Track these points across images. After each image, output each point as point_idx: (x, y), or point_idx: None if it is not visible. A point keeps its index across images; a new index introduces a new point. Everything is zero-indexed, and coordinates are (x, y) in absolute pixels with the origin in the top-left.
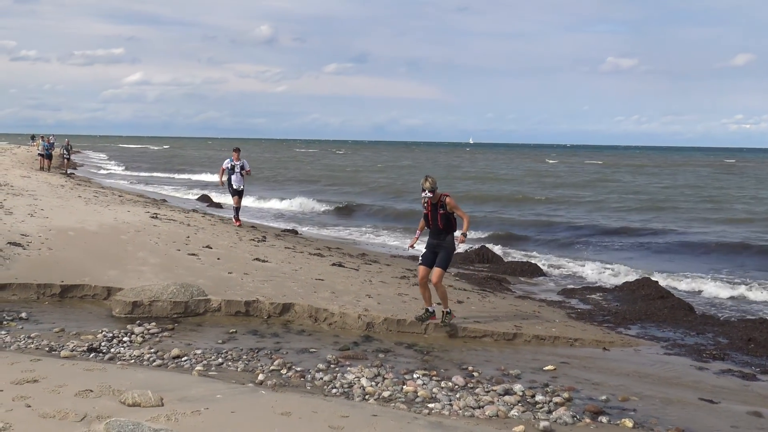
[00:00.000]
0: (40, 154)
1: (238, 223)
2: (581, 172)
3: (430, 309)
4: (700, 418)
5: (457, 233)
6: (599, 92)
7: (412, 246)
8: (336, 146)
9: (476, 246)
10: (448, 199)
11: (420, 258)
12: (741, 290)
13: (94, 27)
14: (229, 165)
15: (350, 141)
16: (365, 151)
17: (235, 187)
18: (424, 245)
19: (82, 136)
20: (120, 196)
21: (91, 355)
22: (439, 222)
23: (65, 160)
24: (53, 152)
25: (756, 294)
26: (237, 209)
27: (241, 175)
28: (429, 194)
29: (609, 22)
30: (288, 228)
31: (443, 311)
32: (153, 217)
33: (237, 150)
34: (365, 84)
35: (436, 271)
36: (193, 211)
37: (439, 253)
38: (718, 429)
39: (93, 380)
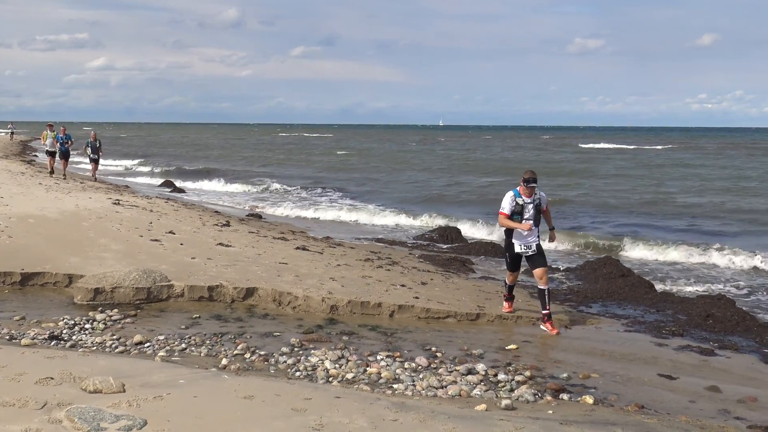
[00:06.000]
0: (49, 152)
1: (555, 331)
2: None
3: None
4: (659, 393)
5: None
6: (566, 73)
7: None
8: (300, 130)
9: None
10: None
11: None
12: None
13: (58, 12)
14: (514, 205)
15: (317, 124)
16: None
17: (522, 249)
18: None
19: (44, 123)
20: (81, 183)
21: (53, 343)
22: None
23: (93, 162)
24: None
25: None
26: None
27: (537, 224)
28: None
29: (575, 3)
30: (252, 213)
31: None
32: (115, 204)
33: (531, 180)
34: (333, 67)
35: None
36: (156, 197)
37: None
38: (677, 404)
39: (54, 368)
